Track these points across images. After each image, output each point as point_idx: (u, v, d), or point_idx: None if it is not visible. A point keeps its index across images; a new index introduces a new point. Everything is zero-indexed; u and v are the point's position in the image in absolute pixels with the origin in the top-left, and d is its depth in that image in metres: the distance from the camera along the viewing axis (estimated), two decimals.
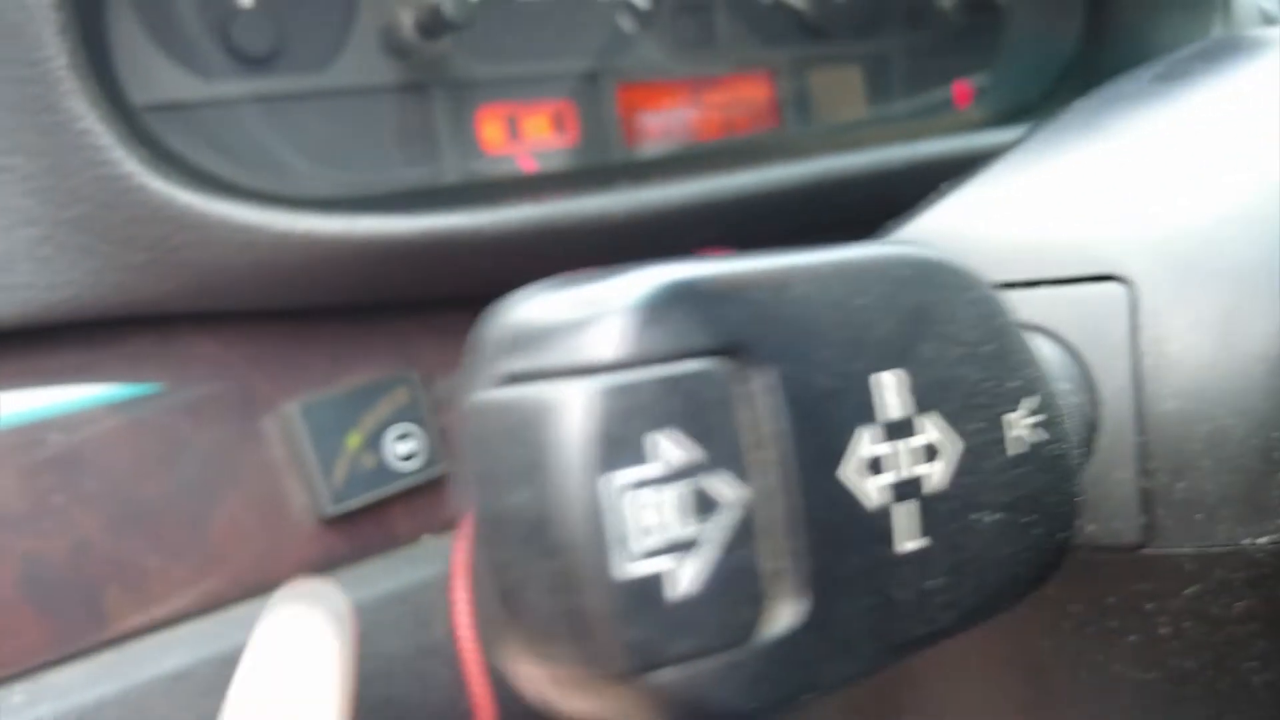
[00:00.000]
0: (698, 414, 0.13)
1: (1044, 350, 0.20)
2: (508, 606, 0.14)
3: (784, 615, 0.14)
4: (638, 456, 0.13)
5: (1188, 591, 0.21)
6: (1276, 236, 0.20)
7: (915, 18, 0.47)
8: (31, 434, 0.26)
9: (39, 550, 0.26)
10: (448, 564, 0.32)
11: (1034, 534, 0.17)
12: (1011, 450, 0.17)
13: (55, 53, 0.24)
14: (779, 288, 0.15)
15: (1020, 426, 0.17)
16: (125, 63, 0.29)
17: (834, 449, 0.15)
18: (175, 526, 0.27)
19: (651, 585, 0.13)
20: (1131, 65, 0.51)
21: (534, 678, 0.15)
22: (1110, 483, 0.20)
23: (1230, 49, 0.25)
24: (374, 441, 0.29)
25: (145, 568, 0.27)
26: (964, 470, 0.16)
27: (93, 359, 0.27)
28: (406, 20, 0.34)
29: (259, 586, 0.28)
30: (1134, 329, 0.21)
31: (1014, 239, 0.23)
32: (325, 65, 0.33)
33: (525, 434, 0.13)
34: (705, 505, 0.13)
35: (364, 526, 0.30)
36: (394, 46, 0.34)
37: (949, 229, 0.23)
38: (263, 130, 0.32)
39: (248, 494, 0.28)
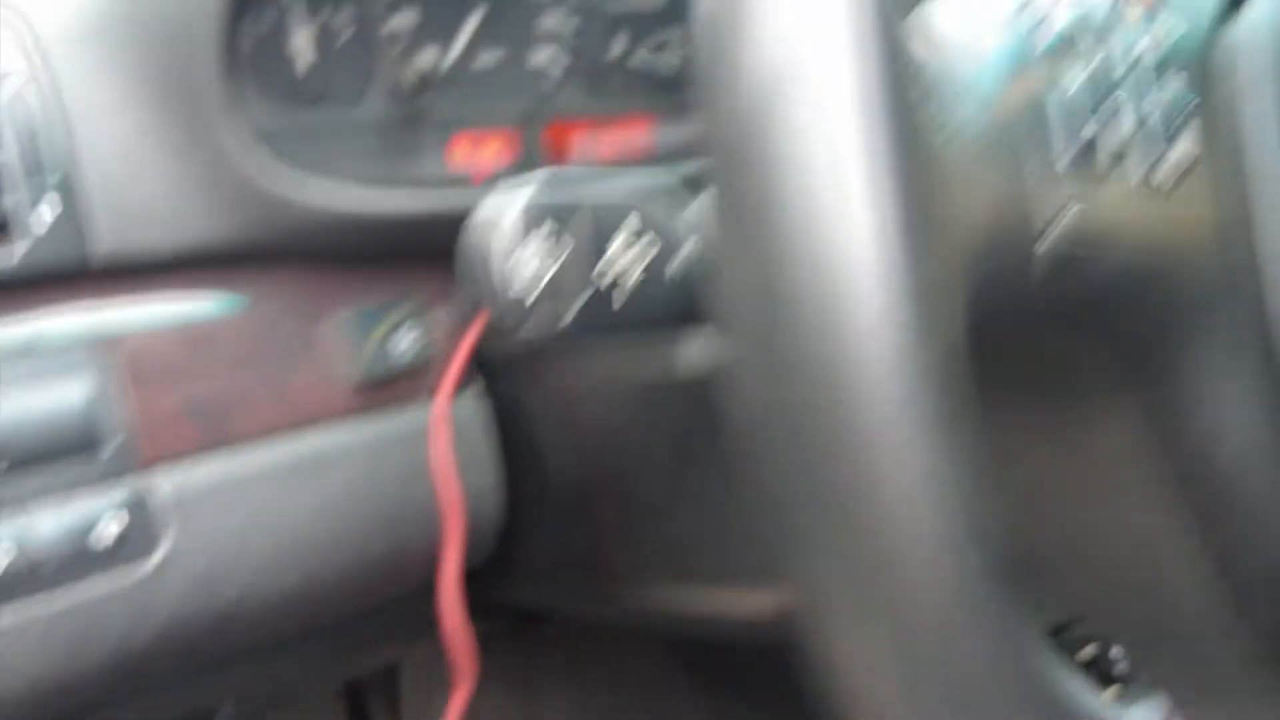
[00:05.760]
0: None
1: None
2: None
3: None
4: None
5: None
6: None
7: None
8: (190, 324, 0.43)
9: (196, 391, 0.43)
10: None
11: None
12: None
13: (217, 93, 0.42)
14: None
15: None
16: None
17: None
18: (272, 381, 0.45)
19: None
20: None
21: None
22: None
23: None
24: (390, 334, 0.47)
25: (254, 401, 0.44)
26: None
27: (221, 279, 0.45)
28: (409, 77, 0.52)
29: (318, 419, 0.46)
30: None
31: None
32: (354, 102, 0.51)
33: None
34: None
35: (382, 390, 0.47)
36: (398, 94, 0.52)
37: None
38: (315, 146, 0.50)
39: (315, 364, 0.46)
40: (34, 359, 0.40)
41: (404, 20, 0.53)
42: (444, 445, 0.48)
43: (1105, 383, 0.30)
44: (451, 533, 0.48)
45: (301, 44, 0.50)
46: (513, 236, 0.30)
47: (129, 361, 0.42)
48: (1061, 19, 0.28)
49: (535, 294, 0.30)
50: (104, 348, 0.41)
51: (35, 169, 0.40)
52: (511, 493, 0.51)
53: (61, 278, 0.41)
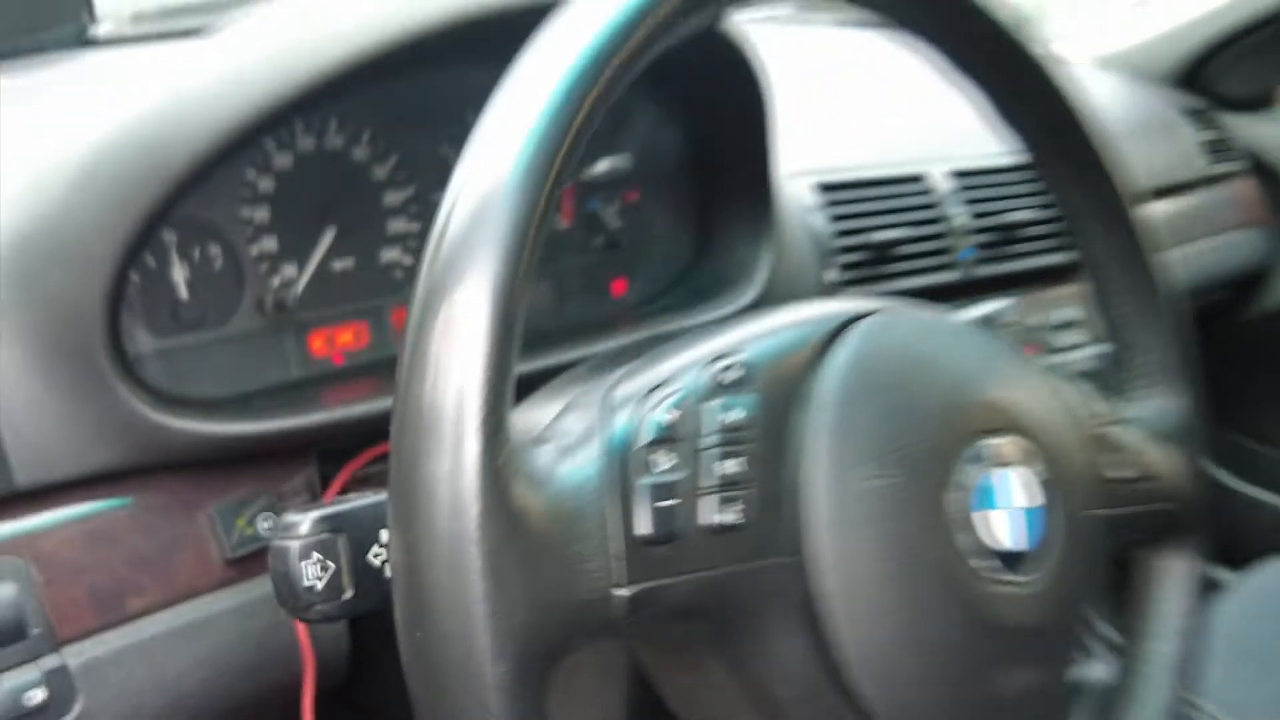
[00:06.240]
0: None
1: None
2: None
3: None
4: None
5: None
6: None
7: (581, 246, 0.79)
8: (92, 520, 0.56)
9: (97, 582, 0.56)
10: None
11: None
12: None
13: (105, 356, 0.54)
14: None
15: None
16: (126, 337, 0.59)
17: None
18: (161, 563, 0.58)
19: None
20: (722, 272, 0.82)
21: None
22: None
23: None
24: (250, 522, 0.60)
25: (143, 585, 0.57)
26: None
27: (113, 489, 0.57)
28: (269, 299, 0.64)
29: (197, 592, 0.59)
30: None
31: None
32: (225, 322, 0.64)
33: None
34: None
35: (246, 564, 0.60)
36: (263, 308, 0.65)
37: None
38: (193, 367, 0.62)
39: (192, 549, 0.58)
40: None
41: (265, 246, 0.65)
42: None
43: (701, 646, 0.44)
44: (307, 671, 0.62)
45: (179, 278, 0.62)
46: (294, 566, 0.42)
47: (43, 566, 0.54)
48: (660, 415, 0.41)
49: (314, 602, 0.42)
50: (23, 560, 0.54)
51: None
52: (362, 627, 0.64)
53: None
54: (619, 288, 0.82)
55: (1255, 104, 1.64)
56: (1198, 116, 1.57)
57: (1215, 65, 1.62)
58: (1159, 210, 1.47)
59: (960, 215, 0.95)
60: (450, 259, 0.36)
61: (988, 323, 0.77)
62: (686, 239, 0.83)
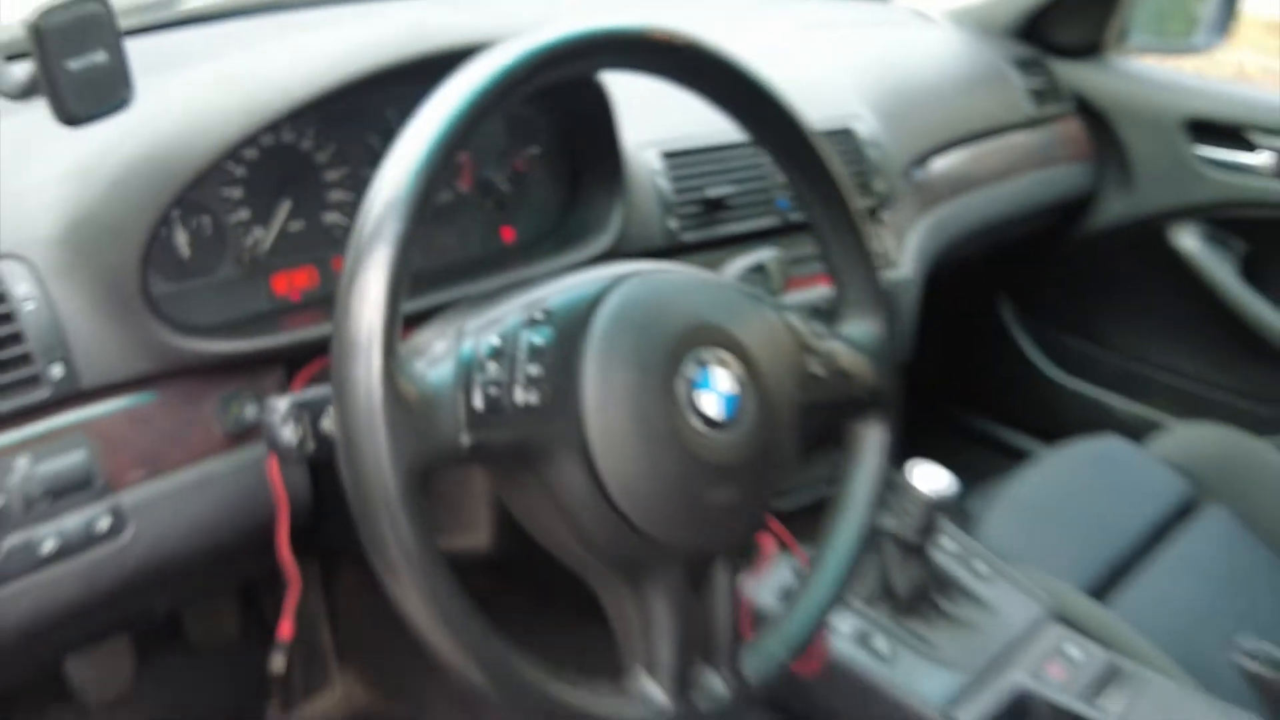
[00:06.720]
0: None
1: None
2: None
3: None
4: None
5: None
6: None
7: (478, 204, 1.06)
8: (132, 409, 0.83)
9: (138, 449, 0.83)
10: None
11: None
12: None
13: (139, 300, 0.81)
14: None
15: None
16: (151, 285, 0.85)
17: None
18: (180, 436, 0.85)
19: None
20: (586, 223, 1.10)
21: None
22: None
23: None
24: (242, 406, 0.87)
25: (169, 451, 0.85)
26: None
27: (145, 386, 0.84)
28: (245, 255, 0.91)
29: (206, 456, 0.87)
30: None
31: None
32: (214, 271, 0.90)
33: None
34: None
35: (239, 439, 0.88)
36: (240, 260, 0.91)
37: None
38: (196, 299, 0.88)
39: (204, 427, 0.86)
40: (58, 443, 0.80)
41: (240, 215, 0.91)
42: (275, 466, 0.89)
43: (523, 475, 0.72)
44: (281, 508, 0.90)
45: (182, 241, 0.88)
46: (278, 430, 0.69)
47: (102, 439, 0.82)
48: (491, 339, 0.69)
49: (291, 453, 0.70)
50: (89, 435, 0.81)
51: (47, 350, 0.79)
52: (320, 481, 0.92)
53: (66, 400, 0.81)
54: (508, 235, 1.08)
55: (1083, 52, 1.90)
56: (1028, 66, 1.84)
57: (1050, 18, 1.88)
58: (990, 148, 1.75)
59: (779, 173, 1.22)
60: (363, 249, 0.63)
61: (758, 268, 1.05)
62: (559, 198, 1.09)
